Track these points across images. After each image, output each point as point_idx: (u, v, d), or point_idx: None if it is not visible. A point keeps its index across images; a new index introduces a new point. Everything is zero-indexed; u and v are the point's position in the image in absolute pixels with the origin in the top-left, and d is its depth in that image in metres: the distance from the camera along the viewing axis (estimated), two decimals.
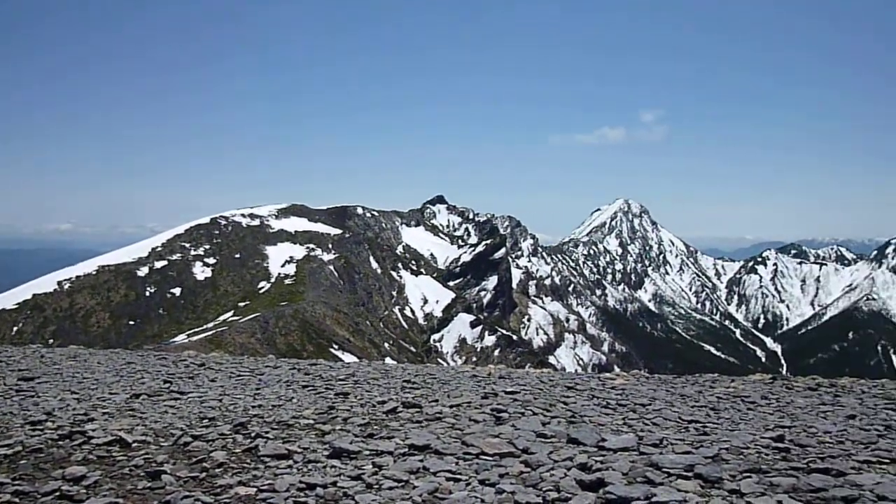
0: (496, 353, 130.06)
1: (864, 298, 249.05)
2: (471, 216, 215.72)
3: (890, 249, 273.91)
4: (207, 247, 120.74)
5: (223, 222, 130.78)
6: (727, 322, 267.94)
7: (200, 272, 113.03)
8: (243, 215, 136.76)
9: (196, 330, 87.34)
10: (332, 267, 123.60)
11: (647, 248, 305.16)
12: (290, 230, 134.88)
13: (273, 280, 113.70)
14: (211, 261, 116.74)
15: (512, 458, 4.69)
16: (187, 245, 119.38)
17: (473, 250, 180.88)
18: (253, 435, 5.42)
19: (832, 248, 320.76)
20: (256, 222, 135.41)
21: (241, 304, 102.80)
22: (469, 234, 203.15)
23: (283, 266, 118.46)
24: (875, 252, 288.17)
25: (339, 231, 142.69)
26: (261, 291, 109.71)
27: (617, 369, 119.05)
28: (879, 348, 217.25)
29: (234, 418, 6.09)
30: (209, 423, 5.95)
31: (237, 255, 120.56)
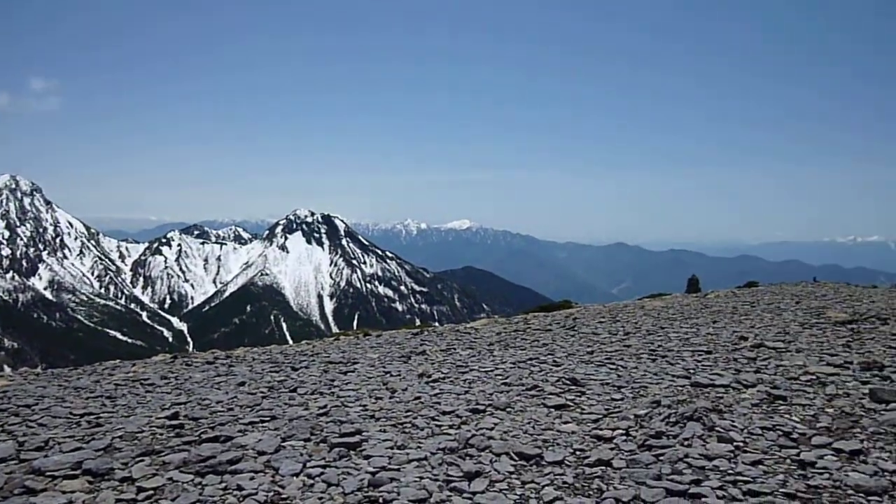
0: None
1: (259, 274, 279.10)
2: None
3: (279, 229, 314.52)
4: None
5: None
6: (133, 305, 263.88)
7: None
8: None
9: None
10: None
11: (41, 230, 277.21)
12: None
13: None
14: None
15: None
16: None
17: None
18: None
19: (231, 229, 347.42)
20: None
21: None
22: None
23: None
24: (267, 232, 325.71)
25: None
26: None
27: (8, 369, 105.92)
28: (272, 318, 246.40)
29: None
30: None
31: None
